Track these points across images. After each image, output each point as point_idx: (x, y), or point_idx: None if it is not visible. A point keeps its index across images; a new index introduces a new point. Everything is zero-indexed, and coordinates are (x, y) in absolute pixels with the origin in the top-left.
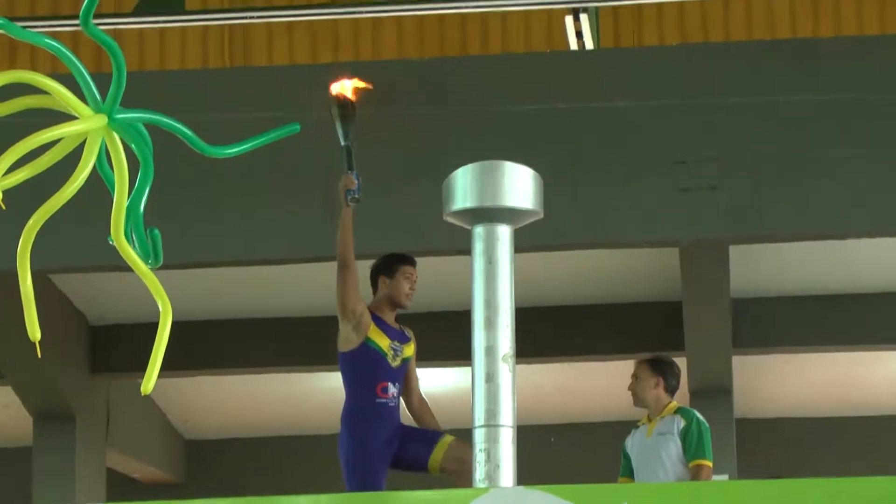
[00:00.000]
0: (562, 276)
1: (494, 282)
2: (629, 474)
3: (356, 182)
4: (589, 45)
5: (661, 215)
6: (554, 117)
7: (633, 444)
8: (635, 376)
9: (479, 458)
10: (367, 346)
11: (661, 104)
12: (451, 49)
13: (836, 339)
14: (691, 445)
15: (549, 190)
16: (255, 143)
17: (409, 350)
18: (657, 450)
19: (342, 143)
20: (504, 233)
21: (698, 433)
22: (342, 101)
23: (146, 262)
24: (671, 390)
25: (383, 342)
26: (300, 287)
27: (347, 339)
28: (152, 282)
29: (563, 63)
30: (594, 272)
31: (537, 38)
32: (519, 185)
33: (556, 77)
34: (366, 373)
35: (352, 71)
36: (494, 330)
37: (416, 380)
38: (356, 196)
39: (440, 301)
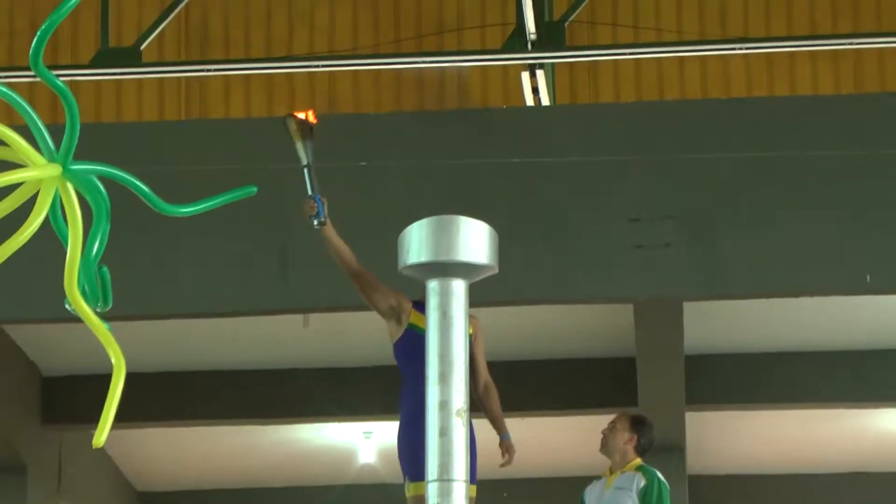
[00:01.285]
0: (514, 331)
1: (449, 336)
2: None
3: (316, 205)
4: (545, 100)
5: (616, 272)
6: (510, 172)
7: (591, 495)
8: (612, 425)
9: None
10: (411, 332)
11: (616, 160)
12: (407, 103)
13: (789, 396)
14: None
15: (505, 245)
16: (210, 203)
17: None
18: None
19: (302, 164)
20: (459, 287)
21: (658, 494)
22: (300, 121)
23: (96, 305)
24: (640, 451)
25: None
26: (255, 340)
27: (392, 332)
28: (104, 335)
29: (519, 119)
30: (548, 327)
31: (494, 94)
32: (474, 240)
33: (511, 132)
34: (415, 357)
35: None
36: (448, 385)
37: (482, 364)
38: (322, 219)
39: None
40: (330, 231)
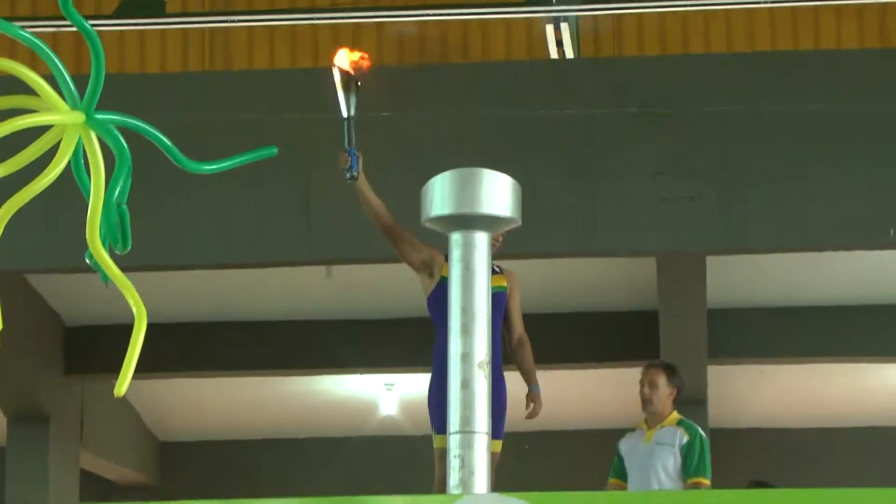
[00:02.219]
0: (537, 284)
1: (471, 289)
2: (620, 476)
3: (350, 159)
4: (569, 53)
5: (640, 225)
6: (533, 125)
7: (627, 446)
8: (651, 384)
9: (454, 464)
10: (443, 286)
11: (641, 114)
12: (430, 57)
13: (811, 350)
14: (692, 462)
15: (528, 198)
16: (232, 162)
17: (498, 281)
18: (654, 459)
19: (343, 116)
20: (481, 240)
21: (700, 450)
22: (344, 73)
23: (115, 246)
24: (678, 401)
25: None
26: (276, 291)
27: (425, 286)
28: (126, 286)
29: (544, 71)
30: (570, 280)
31: (518, 47)
32: (497, 193)
33: (535, 85)
34: (447, 310)
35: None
36: (470, 337)
37: (517, 318)
38: (353, 173)
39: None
40: (363, 186)
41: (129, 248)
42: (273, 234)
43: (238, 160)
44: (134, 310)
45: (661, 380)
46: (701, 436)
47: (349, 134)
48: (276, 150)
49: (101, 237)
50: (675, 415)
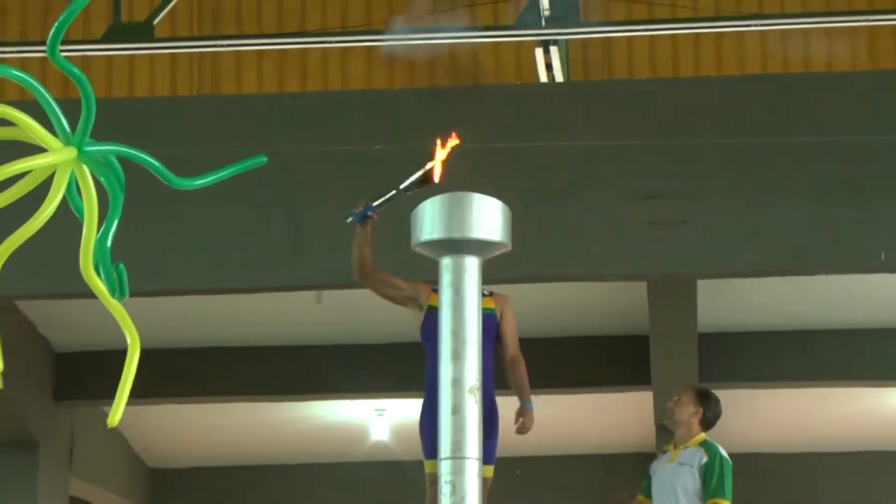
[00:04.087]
0: (528, 308)
1: (461, 313)
2: (648, 495)
3: (363, 208)
4: (559, 77)
5: (630, 249)
6: (523, 148)
7: (655, 468)
8: (678, 398)
9: (445, 490)
10: (432, 315)
11: (630, 137)
12: (419, 80)
13: (803, 374)
14: (710, 482)
15: (518, 222)
16: (221, 174)
17: (487, 303)
18: (675, 479)
19: (399, 188)
20: (472, 264)
21: (720, 470)
22: (425, 177)
23: (112, 296)
24: (705, 425)
25: None
26: (267, 316)
27: (415, 317)
28: (120, 313)
29: (533, 95)
30: (561, 304)
31: (507, 70)
32: (487, 217)
33: (525, 109)
34: (436, 338)
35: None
36: (461, 362)
37: (511, 340)
38: (353, 219)
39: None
40: (357, 234)
41: (127, 297)
42: (262, 260)
43: (226, 171)
44: (128, 338)
45: (689, 397)
46: (721, 456)
47: (385, 198)
48: (265, 159)
49: (94, 268)
50: (701, 436)
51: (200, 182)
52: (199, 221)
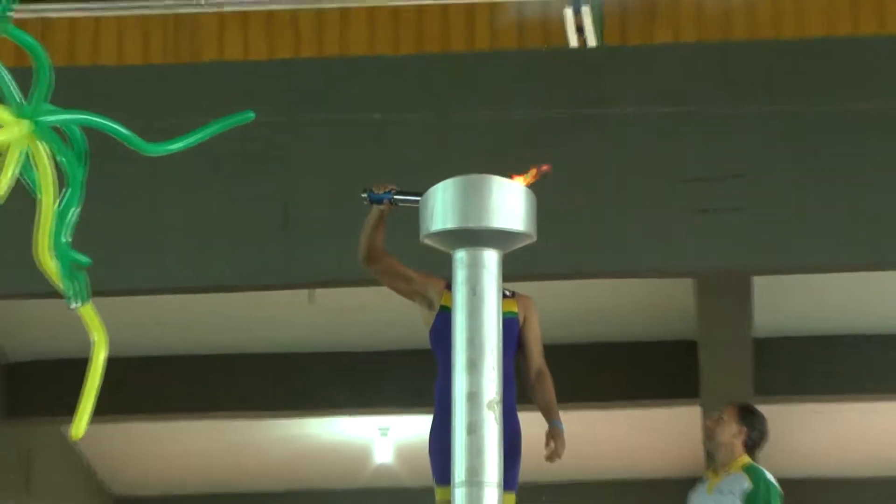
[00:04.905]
0: (555, 311)
1: (479, 316)
2: None
3: (385, 192)
4: (592, 41)
5: (675, 241)
6: (550, 125)
7: (693, 497)
8: (719, 415)
9: None
10: (444, 315)
11: (676, 110)
12: (430, 45)
13: (875, 386)
14: None
15: (544, 209)
16: (200, 135)
17: (509, 306)
18: None
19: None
20: (490, 258)
21: (766, 499)
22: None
23: (71, 299)
24: (750, 446)
25: None
26: (251, 319)
27: (425, 318)
28: (85, 308)
29: (562, 62)
30: (594, 305)
31: (532, 34)
32: (508, 204)
33: (552, 79)
34: (448, 343)
35: None
36: (479, 373)
37: (535, 349)
38: (368, 198)
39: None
40: (375, 214)
41: (88, 301)
42: (245, 252)
43: (206, 131)
44: (93, 336)
45: (731, 414)
46: (768, 482)
47: (412, 197)
48: (252, 115)
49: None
50: (744, 459)
51: (176, 146)
52: (169, 209)
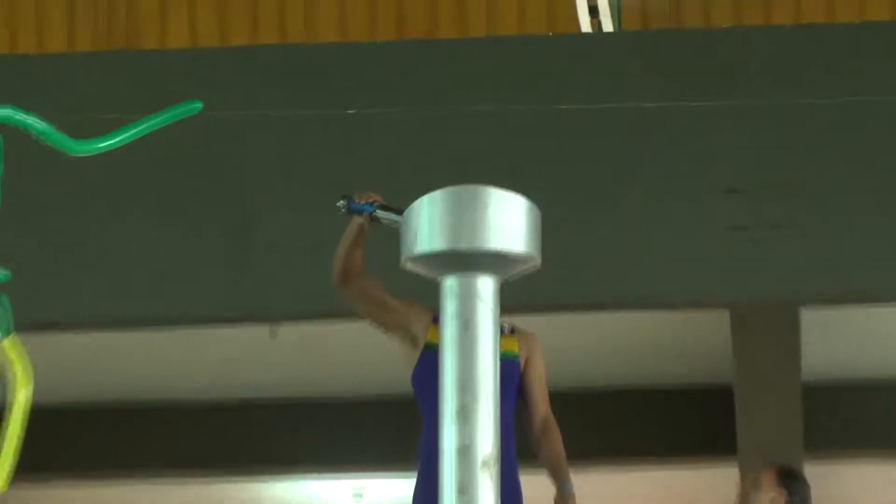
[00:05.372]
0: (565, 351)
1: (472, 356)
2: None
3: (370, 202)
4: (607, 26)
5: (705, 265)
6: (556, 124)
7: None
8: (755, 478)
9: None
10: (429, 355)
11: (705, 106)
12: (413, 29)
13: None
14: None
15: (550, 226)
16: (136, 130)
17: (508, 344)
18: None
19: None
20: (486, 287)
21: None
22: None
23: None
24: None
25: None
26: (199, 361)
27: (407, 357)
28: (8, 341)
29: (572, 50)
30: (608, 344)
31: (534, 17)
32: (508, 220)
33: (560, 69)
34: (435, 388)
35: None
36: (471, 424)
37: (539, 397)
38: (346, 207)
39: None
40: (354, 228)
41: (11, 333)
42: (193, 280)
43: (145, 126)
44: (14, 371)
45: (770, 478)
46: None
47: (395, 211)
48: (199, 105)
49: None
50: None
51: (106, 143)
52: (99, 229)
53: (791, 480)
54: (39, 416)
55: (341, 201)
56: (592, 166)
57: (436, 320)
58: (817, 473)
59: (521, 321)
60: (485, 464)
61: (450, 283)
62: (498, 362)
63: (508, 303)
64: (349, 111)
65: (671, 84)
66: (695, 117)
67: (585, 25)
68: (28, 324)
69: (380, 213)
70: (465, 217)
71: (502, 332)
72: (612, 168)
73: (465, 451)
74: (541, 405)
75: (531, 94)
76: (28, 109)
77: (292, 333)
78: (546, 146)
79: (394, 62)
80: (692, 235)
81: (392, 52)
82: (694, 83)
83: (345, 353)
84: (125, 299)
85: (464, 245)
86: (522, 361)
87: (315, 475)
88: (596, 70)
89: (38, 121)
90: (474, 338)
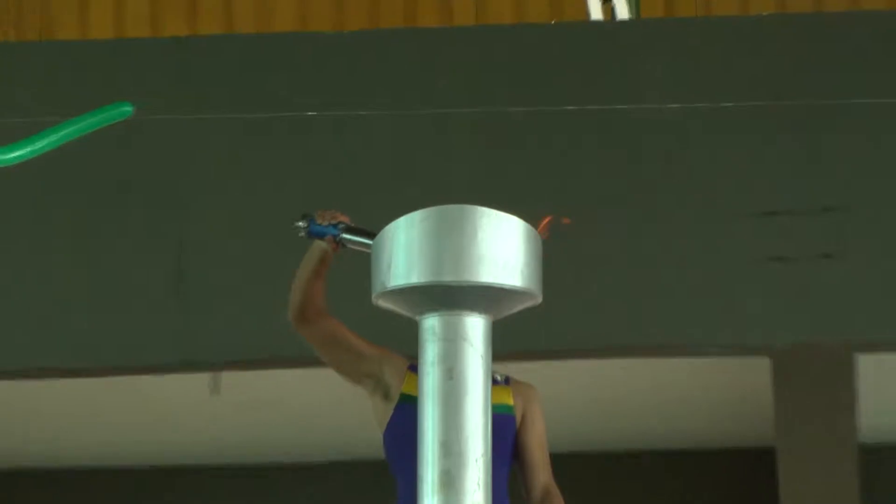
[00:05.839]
0: (569, 405)
1: (458, 410)
2: None
3: (335, 224)
4: (622, 14)
5: (740, 303)
6: (560, 127)
7: None
8: None
9: None
10: (405, 409)
11: (738, 108)
12: (389, 17)
13: None
14: None
15: (553, 257)
16: (56, 136)
17: (501, 397)
18: None
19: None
20: (475, 328)
21: None
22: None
23: None
24: None
25: None
26: (126, 418)
27: (378, 413)
28: None
29: (581, 42)
30: (625, 399)
31: (536, 3)
32: (502, 248)
33: (567, 63)
34: (413, 449)
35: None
36: (457, 492)
37: (539, 460)
38: (306, 229)
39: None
40: (315, 254)
41: None
42: (120, 323)
43: (65, 132)
44: None
45: None
46: None
47: (365, 233)
48: (130, 110)
49: None
50: None
51: (20, 152)
52: (17, 268)
53: None
54: None
55: (300, 222)
56: (603, 181)
57: (413, 368)
58: None
59: (517, 370)
60: None
61: (430, 323)
62: (489, 418)
63: (503, 347)
64: (309, 113)
65: (698, 83)
66: (727, 123)
67: (596, 12)
68: None
69: (346, 237)
70: (449, 243)
71: (494, 381)
72: (626, 183)
73: None
74: (541, 472)
75: (531, 94)
76: None
77: (237, 384)
78: (547, 156)
79: (365, 54)
80: (724, 267)
81: (362, 41)
82: (727, 82)
83: (302, 409)
84: (38, 346)
85: (448, 277)
86: (519, 417)
87: None
88: (608, 66)
89: None
90: (460, 388)
